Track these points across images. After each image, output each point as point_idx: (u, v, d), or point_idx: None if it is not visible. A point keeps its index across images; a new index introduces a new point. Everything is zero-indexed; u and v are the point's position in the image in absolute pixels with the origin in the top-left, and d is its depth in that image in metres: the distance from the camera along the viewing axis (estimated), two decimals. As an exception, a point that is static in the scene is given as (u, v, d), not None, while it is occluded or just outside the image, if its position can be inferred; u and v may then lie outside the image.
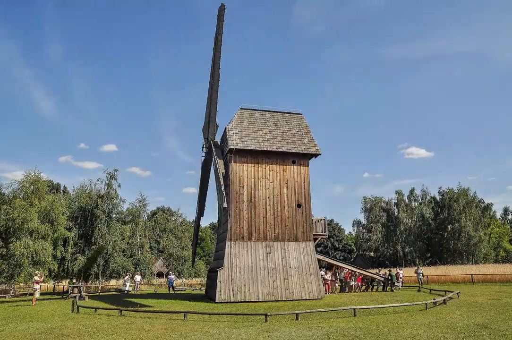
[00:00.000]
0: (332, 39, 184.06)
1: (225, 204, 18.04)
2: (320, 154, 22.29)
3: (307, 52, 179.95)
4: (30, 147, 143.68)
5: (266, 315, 11.94)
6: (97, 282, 36.70)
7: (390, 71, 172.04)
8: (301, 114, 24.59)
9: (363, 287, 24.67)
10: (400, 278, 26.07)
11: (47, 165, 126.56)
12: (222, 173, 19.52)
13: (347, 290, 23.98)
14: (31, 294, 27.84)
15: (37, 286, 18.97)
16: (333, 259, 25.91)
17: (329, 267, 30.58)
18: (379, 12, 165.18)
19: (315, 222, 22.07)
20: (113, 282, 41.63)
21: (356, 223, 69.27)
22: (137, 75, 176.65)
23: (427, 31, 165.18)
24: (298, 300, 18.56)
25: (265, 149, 21.65)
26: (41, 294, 29.51)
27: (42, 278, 22.19)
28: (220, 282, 18.54)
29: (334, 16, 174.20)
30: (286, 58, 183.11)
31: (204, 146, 22.92)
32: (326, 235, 22.83)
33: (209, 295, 20.92)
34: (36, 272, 20.93)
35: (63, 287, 34.93)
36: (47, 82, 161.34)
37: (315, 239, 21.48)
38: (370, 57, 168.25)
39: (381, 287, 24.55)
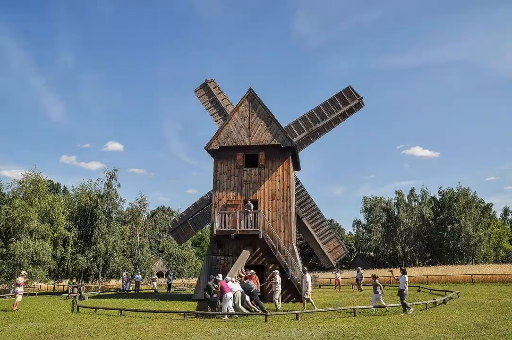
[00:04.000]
0: (331, 49, 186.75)
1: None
2: (214, 149, 21.22)
3: (308, 60, 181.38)
4: (37, 148, 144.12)
5: (266, 315, 11.93)
6: (97, 282, 36.68)
7: (389, 78, 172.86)
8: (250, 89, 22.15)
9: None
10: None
11: (52, 167, 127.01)
12: None
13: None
14: (32, 294, 27.89)
15: (19, 289, 16.37)
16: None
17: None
18: (374, 25, 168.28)
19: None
20: (113, 282, 41.62)
21: (356, 223, 69.28)
22: (144, 80, 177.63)
23: (420, 41, 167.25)
24: None
25: None
26: (40, 294, 29.61)
27: (27, 280, 18.18)
28: None
29: (332, 29, 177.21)
30: (286, 65, 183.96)
31: None
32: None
33: None
34: (23, 272, 17.99)
35: (63, 287, 34.93)
36: (57, 87, 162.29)
37: None
38: (367, 66, 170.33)
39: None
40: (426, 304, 13.96)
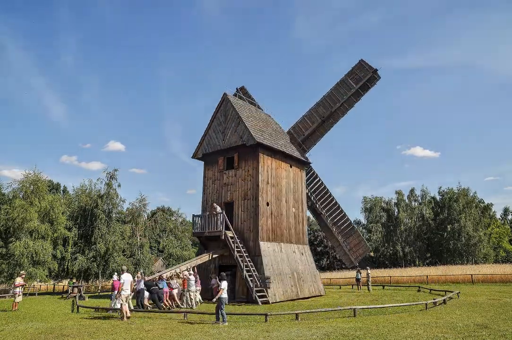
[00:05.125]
0: (331, 51, 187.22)
1: None
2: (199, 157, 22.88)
3: (308, 62, 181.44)
4: (37, 148, 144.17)
5: (266, 315, 11.94)
6: (97, 282, 36.68)
7: (389, 78, 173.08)
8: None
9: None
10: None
11: (53, 166, 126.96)
12: None
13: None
14: (32, 294, 27.88)
15: (18, 290, 16.36)
16: None
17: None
18: (375, 27, 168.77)
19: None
20: (113, 282, 41.53)
21: (356, 223, 69.20)
22: (144, 80, 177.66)
23: (420, 42, 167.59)
24: None
25: None
26: (40, 294, 29.61)
27: (24, 283, 17.86)
28: None
29: (332, 30, 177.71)
30: (286, 66, 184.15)
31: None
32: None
33: None
34: (22, 272, 18.03)
35: (63, 287, 34.95)
36: (58, 87, 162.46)
37: None
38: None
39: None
40: (426, 304, 13.97)
